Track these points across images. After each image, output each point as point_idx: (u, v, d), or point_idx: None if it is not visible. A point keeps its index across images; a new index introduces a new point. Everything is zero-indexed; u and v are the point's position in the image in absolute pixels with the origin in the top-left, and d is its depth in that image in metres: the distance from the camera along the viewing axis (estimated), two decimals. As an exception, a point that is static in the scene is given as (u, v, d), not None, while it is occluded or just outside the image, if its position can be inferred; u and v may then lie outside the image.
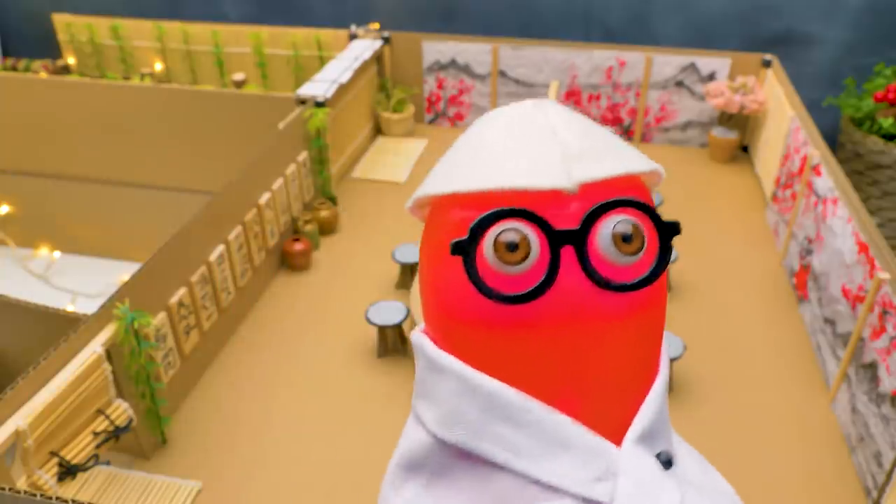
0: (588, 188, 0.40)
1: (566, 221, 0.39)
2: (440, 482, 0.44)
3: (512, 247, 0.38)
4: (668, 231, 0.40)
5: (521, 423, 0.40)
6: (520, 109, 0.44)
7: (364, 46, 1.90)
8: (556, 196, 0.39)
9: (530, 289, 0.38)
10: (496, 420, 0.41)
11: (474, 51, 1.96)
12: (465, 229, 0.39)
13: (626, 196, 0.39)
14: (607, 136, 0.44)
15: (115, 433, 0.95)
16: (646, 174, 0.45)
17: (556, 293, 0.39)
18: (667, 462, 0.42)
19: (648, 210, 0.40)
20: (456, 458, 0.43)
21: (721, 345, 1.27)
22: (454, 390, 0.42)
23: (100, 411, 0.95)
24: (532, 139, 0.42)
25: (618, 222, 0.39)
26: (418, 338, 0.46)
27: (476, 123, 0.46)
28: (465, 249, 0.39)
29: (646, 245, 0.39)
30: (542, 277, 0.38)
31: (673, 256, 1.35)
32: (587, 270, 0.39)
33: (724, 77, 1.86)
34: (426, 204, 0.45)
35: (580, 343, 0.40)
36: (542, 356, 0.40)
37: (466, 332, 0.42)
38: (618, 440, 0.42)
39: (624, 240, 0.38)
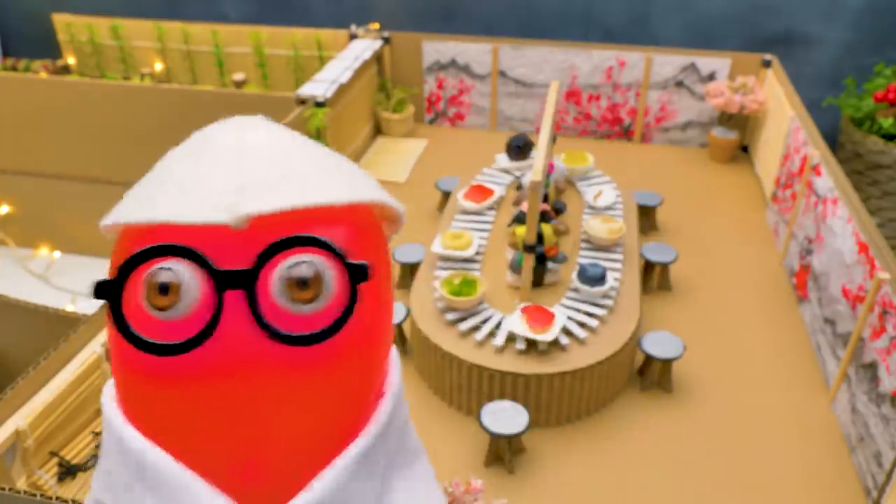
0: (269, 224, 0.34)
1: (238, 261, 0.34)
2: None
3: (161, 288, 0.33)
4: (355, 275, 0.35)
5: (162, 493, 0.36)
6: (215, 130, 0.39)
7: (364, 46, 1.90)
8: (228, 233, 0.34)
9: (187, 339, 0.33)
10: (143, 487, 0.36)
11: (474, 51, 1.96)
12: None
13: (309, 233, 0.34)
14: (315, 163, 0.38)
15: (115, 433, 0.95)
16: (380, 207, 0.39)
17: (220, 343, 0.34)
18: None
19: (332, 250, 0.34)
20: None
21: (721, 345, 1.27)
22: (112, 447, 0.38)
23: (100, 411, 0.95)
24: (210, 165, 0.37)
25: (293, 264, 0.34)
26: (107, 384, 0.41)
27: (183, 140, 0.41)
28: (110, 292, 0.34)
29: (330, 291, 0.34)
30: (203, 325, 0.33)
31: (673, 256, 1.35)
32: (256, 318, 0.34)
33: (724, 77, 1.86)
34: (113, 231, 0.40)
35: (247, 400, 0.35)
36: (205, 414, 0.35)
37: (129, 382, 0.37)
38: None
39: (297, 284, 0.34)
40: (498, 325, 1.10)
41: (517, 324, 1.07)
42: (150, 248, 0.33)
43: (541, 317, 1.07)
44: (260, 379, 0.35)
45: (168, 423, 0.36)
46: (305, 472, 0.37)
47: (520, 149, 1.51)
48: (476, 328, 1.11)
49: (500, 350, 1.08)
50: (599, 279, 1.14)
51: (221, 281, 0.34)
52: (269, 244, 0.34)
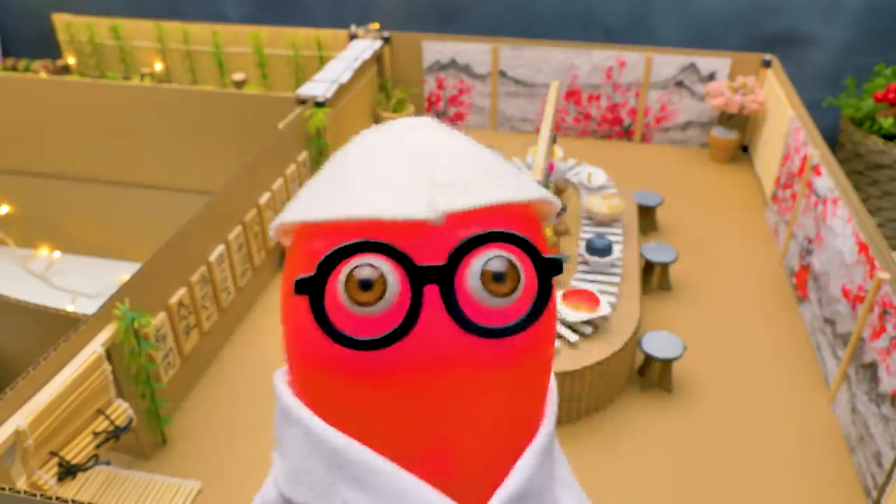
0: (461, 220, 0.35)
1: (432, 257, 0.34)
2: None
3: (364, 284, 0.33)
4: (548, 269, 0.35)
5: (366, 486, 0.36)
6: (393, 130, 0.40)
7: (364, 46, 1.90)
8: (423, 228, 0.34)
9: (386, 333, 0.34)
10: (342, 481, 0.36)
11: (474, 51, 1.95)
12: (315, 264, 0.34)
13: (502, 229, 0.34)
14: (492, 163, 0.39)
15: (115, 433, 0.95)
16: (539, 204, 0.40)
17: (417, 338, 0.34)
18: None
19: (527, 245, 0.35)
20: None
21: (721, 345, 1.27)
22: (301, 444, 0.38)
23: (100, 411, 0.95)
24: (401, 164, 0.37)
25: (489, 259, 0.34)
26: (277, 379, 0.41)
27: (352, 141, 0.41)
28: (311, 287, 0.34)
29: (523, 285, 0.35)
30: (401, 320, 0.34)
31: (673, 256, 1.35)
32: (452, 312, 0.34)
33: (724, 77, 1.86)
34: (290, 231, 0.40)
35: (444, 395, 0.35)
36: (401, 409, 0.36)
37: (320, 378, 0.37)
38: None
39: (495, 279, 0.34)
40: None
41: (563, 310, 1.12)
42: (353, 243, 0.34)
43: (586, 297, 1.13)
44: (456, 372, 0.35)
45: (362, 418, 0.37)
46: (498, 461, 0.38)
47: None
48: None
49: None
50: (606, 250, 1.23)
51: (419, 276, 0.34)
52: (465, 239, 0.34)
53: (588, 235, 1.31)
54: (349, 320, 0.34)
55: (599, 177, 1.48)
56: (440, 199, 0.35)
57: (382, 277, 0.33)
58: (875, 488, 0.97)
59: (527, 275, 0.35)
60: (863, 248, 1.08)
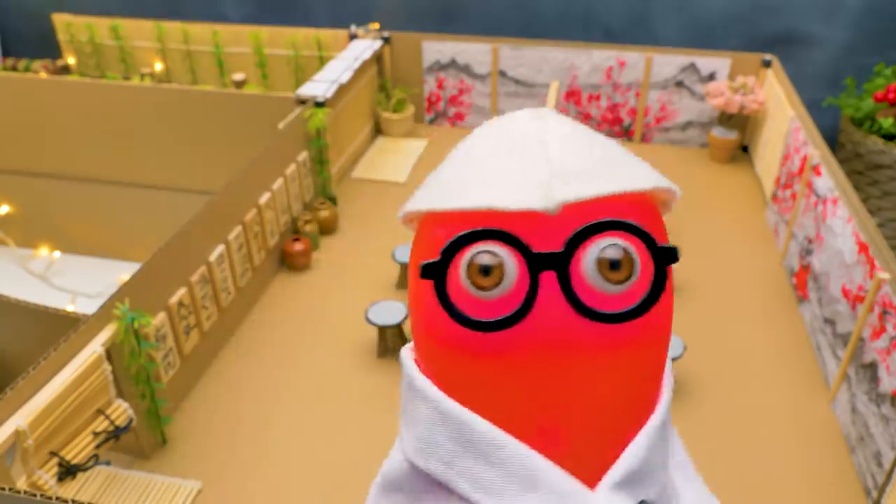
0: (577, 209, 0.36)
1: (549, 244, 0.36)
2: None
3: (485, 270, 0.36)
4: (664, 257, 0.37)
5: (490, 459, 0.38)
6: (515, 120, 0.41)
7: (364, 46, 1.90)
8: (540, 217, 0.36)
9: (505, 316, 0.36)
10: (467, 453, 0.39)
11: (474, 51, 1.95)
12: (439, 250, 0.37)
13: (618, 217, 0.36)
14: (609, 152, 0.40)
15: (115, 433, 0.95)
16: (658, 193, 0.41)
17: (535, 321, 0.36)
18: None
19: (642, 234, 0.36)
20: (429, 486, 0.41)
21: (721, 345, 1.27)
22: (428, 416, 0.40)
23: (100, 411, 0.95)
24: (518, 154, 0.39)
25: (605, 247, 0.36)
26: (404, 355, 0.44)
27: (473, 132, 0.43)
28: (436, 272, 0.37)
29: (637, 272, 0.36)
30: (520, 304, 0.36)
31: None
32: (569, 297, 0.36)
33: (724, 77, 1.86)
34: (415, 218, 0.43)
35: (561, 375, 0.37)
36: (520, 388, 0.38)
37: (443, 356, 0.39)
38: (597, 483, 0.39)
39: (611, 266, 0.35)
40: None
41: None
42: (475, 231, 0.36)
43: None
44: (572, 355, 0.37)
45: (482, 395, 0.39)
46: (613, 441, 0.40)
47: None
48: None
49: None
50: None
51: (537, 263, 0.36)
52: (581, 227, 0.36)
53: None
54: (470, 303, 0.37)
55: None
56: (556, 190, 0.36)
57: (501, 264, 0.36)
58: (875, 488, 0.97)
59: (642, 262, 0.37)
60: (863, 248, 1.08)
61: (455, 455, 0.39)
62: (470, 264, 0.36)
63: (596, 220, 0.36)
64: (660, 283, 0.37)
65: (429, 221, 0.41)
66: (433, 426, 0.40)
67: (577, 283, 0.36)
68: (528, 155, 0.38)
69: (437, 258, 0.37)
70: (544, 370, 0.37)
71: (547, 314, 0.36)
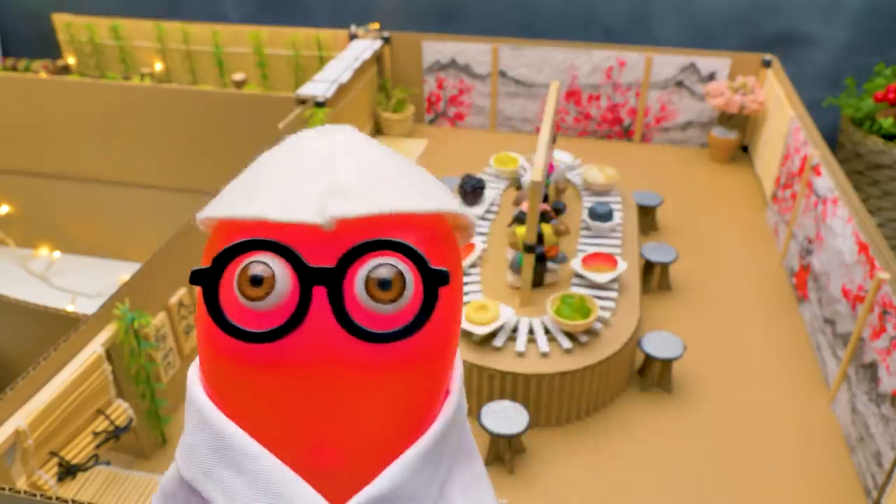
0: (357, 226, 0.36)
1: (325, 259, 0.36)
2: None
3: (254, 280, 0.35)
4: (434, 280, 0.36)
5: (243, 471, 0.38)
6: (308, 136, 0.41)
7: (364, 46, 1.90)
8: (319, 232, 0.36)
9: (273, 328, 0.36)
10: (222, 462, 0.39)
11: (474, 51, 1.95)
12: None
13: (394, 238, 0.36)
14: (396, 172, 0.40)
15: (115, 433, 0.95)
16: (455, 218, 0.41)
17: (305, 336, 0.36)
18: None
19: (414, 255, 0.36)
20: (193, 496, 0.41)
21: (721, 345, 1.27)
22: (195, 423, 0.40)
23: (100, 411, 0.95)
24: (304, 168, 0.39)
25: (376, 266, 0.35)
26: (193, 364, 0.43)
27: (272, 146, 0.43)
28: (204, 279, 0.37)
29: (409, 293, 0.36)
30: (288, 317, 0.36)
31: (673, 256, 1.35)
32: (338, 314, 0.36)
33: (724, 77, 1.86)
34: (211, 224, 0.43)
35: (328, 391, 0.37)
36: (287, 401, 0.37)
37: (216, 364, 0.39)
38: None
39: (380, 285, 0.35)
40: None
41: (580, 267, 1.21)
42: (246, 241, 0.36)
43: (602, 258, 1.21)
44: (339, 371, 0.37)
45: (249, 406, 0.39)
46: (375, 463, 0.39)
47: (473, 192, 1.41)
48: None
49: (499, 350, 1.08)
50: (608, 215, 1.33)
51: (309, 277, 0.36)
52: (355, 245, 0.36)
53: (589, 203, 1.42)
54: (241, 313, 0.36)
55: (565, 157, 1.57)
56: (332, 206, 0.36)
57: (272, 275, 0.35)
58: (875, 488, 0.97)
59: (416, 284, 0.36)
60: (863, 248, 1.08)
61: (213, 462, 0.39)
62: (241, 274, 0.36)
63: (369, 239, 0.36)
64: (429, 304, 0.37)
65: (218, 230, 0.41)
66: (197, 432, 0.40)
67: (350, 300, 0.36)
68: (313, 170, 0.38)
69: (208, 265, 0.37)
70: (311, 385, 0.37)
71: (317, 329, 0.36)
